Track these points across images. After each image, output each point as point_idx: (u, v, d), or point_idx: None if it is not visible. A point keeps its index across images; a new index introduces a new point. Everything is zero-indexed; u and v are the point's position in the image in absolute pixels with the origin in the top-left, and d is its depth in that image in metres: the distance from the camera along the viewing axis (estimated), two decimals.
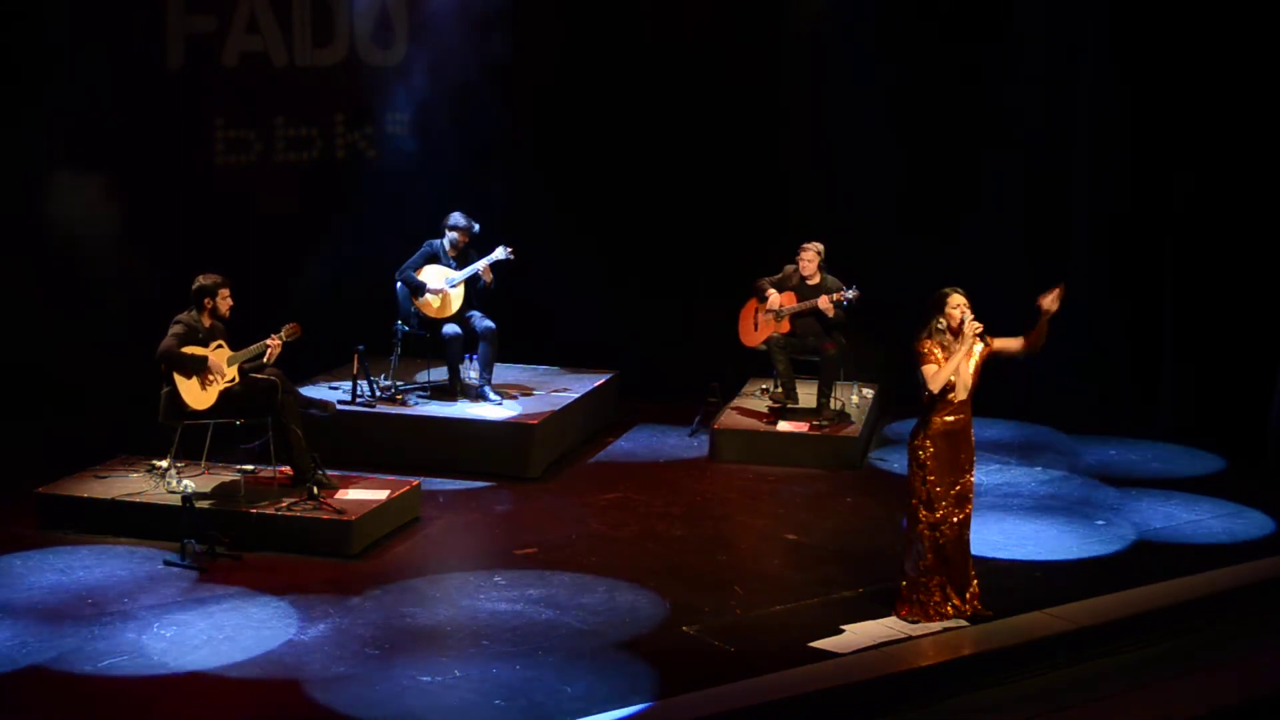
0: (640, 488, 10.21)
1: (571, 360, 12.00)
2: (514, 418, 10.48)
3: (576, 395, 11.17)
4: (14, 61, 10.63)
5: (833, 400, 11.03)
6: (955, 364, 7.61)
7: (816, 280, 10.89)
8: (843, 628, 7.73)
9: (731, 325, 11.28)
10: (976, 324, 7.62)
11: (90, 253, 10.94)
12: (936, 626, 7.70)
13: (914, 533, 7.77)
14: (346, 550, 8.69)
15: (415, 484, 9.47)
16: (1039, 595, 8.16)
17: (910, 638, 7.60)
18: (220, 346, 8.99)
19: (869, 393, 11.55)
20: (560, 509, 9.74)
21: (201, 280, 9.06)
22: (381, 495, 9.12)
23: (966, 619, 7.77)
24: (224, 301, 9.06)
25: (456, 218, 10.86)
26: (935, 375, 7.62)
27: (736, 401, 11.54)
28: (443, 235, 10.86)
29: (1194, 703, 7.29)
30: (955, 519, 7.73)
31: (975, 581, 7.88)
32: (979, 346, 7.69)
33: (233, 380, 9.00)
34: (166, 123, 11.45)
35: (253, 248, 11.59)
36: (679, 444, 11.26)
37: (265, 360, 9.10)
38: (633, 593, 8.25)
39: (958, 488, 7.73)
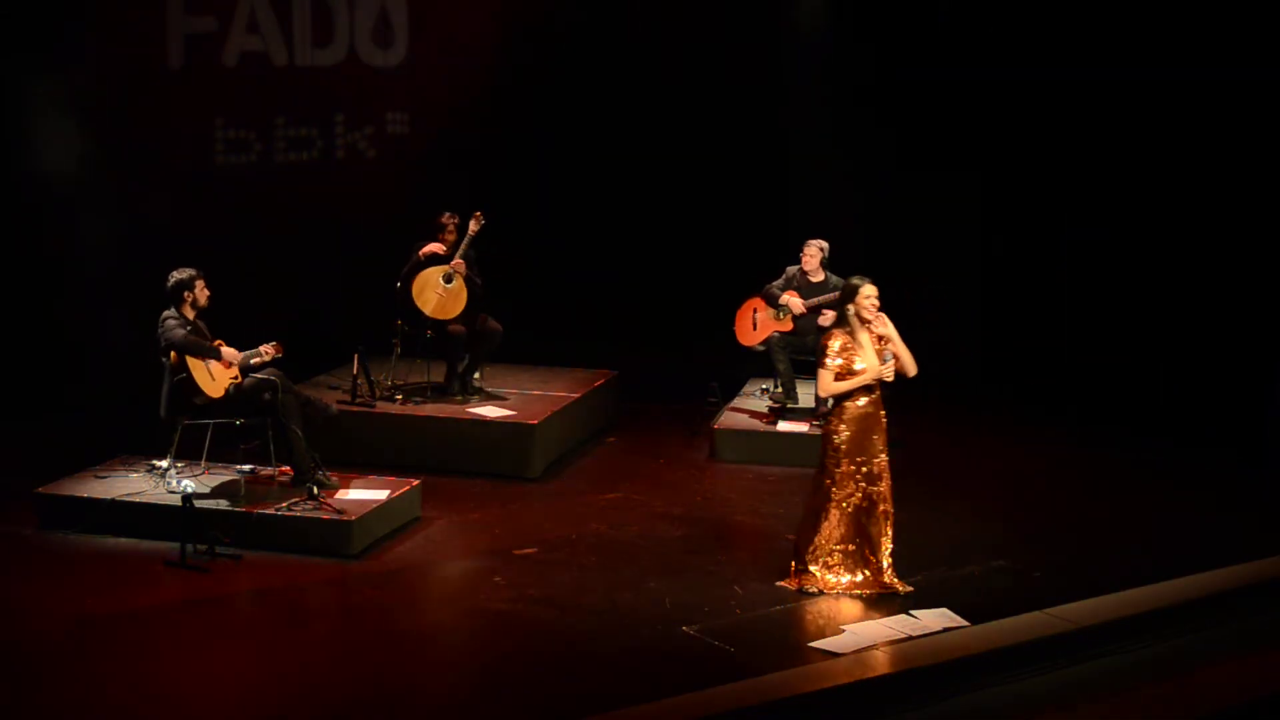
0: (640, 488, 10.20)
1: (571, 360, 12.00)
2: (514, 418, 10.48)
3: (576, 395, 11.16)
4: (13, 61, 10.63)
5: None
6: (851, 386, 8.01)
7: (820, 278, 10.89)
8: (843, 628, 7.73)
9: (731, 326, 11.28)
10: (884, 324, 7.98)
11: (90, 253, 10.95)
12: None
13: (822, 508, 8.14)
14: (346, 550, 8.69)
15: (415, 484, 9.47)
16: (1039, 595, 8.16)
17: (910, 638, 7.60)
18: (220, 342, 9.03)
19: None
20: (560, 509, 9.74)
21: (177, 275, 9.04)
22: (381, 495, 9.12)
23: (877, 589, 8.10)
24: (202, 292, 9.05)
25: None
26: (827, 385, 8.08)
27: (736, 401, 11.53)
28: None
29: (1194, 703, 7.29)
30: (867, 494, 8.10)
31: (889, 553, 8.18)
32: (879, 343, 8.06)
33: (235, 377, 9.01)
34: (166, 123, 11.46)
35: (253, 248, 11.59)
36: (679, 444, 11.25)
37: (258, 360, 9.11)
38: (633, 593, 8.24)
39: (867, 468, 8.10)
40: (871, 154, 12.90)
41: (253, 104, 12.03)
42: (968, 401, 12.29)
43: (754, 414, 11.20)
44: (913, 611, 7.92)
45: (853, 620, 7.83)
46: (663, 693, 6.94)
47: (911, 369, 8.10)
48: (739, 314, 11.22)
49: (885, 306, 8.08)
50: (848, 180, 12.90)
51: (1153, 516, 9.70)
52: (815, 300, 10.85)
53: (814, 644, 7.55)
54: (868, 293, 7.96)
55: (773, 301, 11.01)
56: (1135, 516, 9.70)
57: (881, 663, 7.33)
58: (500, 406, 10.68)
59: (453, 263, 10.60)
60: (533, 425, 10.33)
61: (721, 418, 11.17)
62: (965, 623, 7.78)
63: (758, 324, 11.13)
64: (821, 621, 7.86)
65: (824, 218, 11.91)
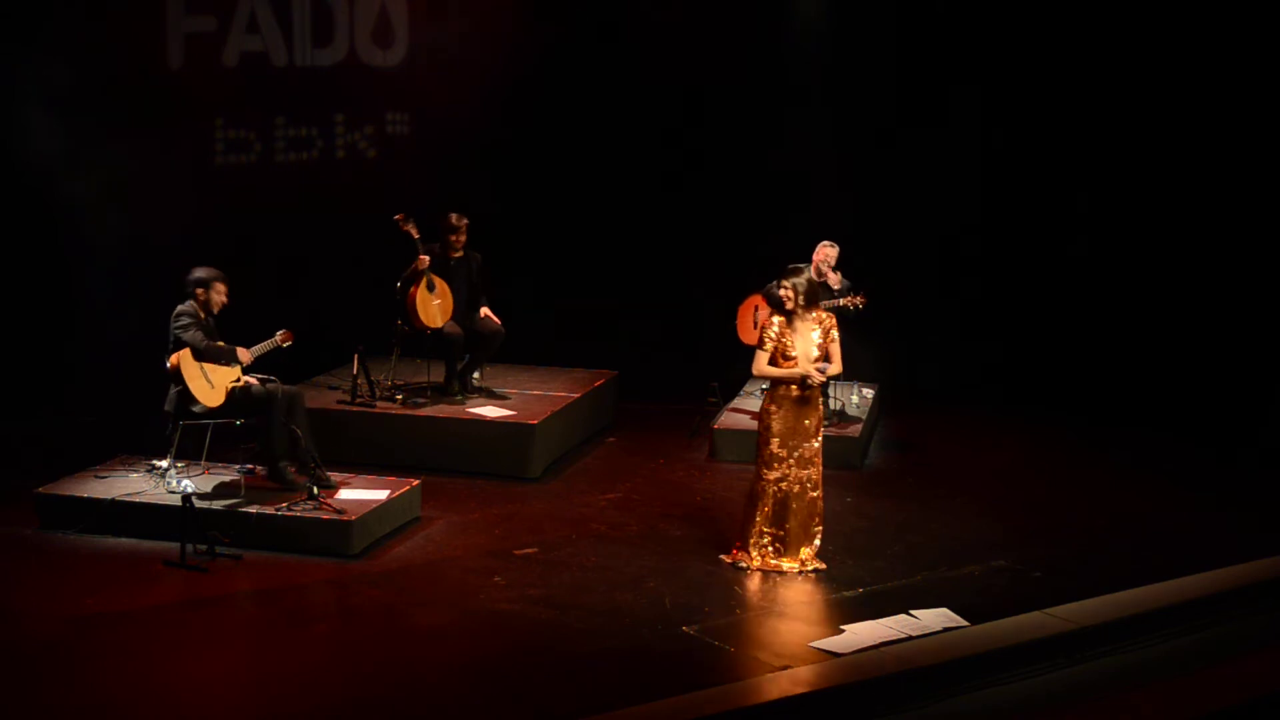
0: (640, 488, 10.21)
1: (571, 360, 12.00)
2: (514, 418, 10.48)
3: (576, 395, 11.16)
4: (13, 61, 10.63)
5: (833, 400, 11.02)
6: (780, 374, 8.34)
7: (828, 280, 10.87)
8: (843, 628, 7.74)
9: (731, 325, 11.27)
10: (832, 325, 8.44)
11: (90, 253, 10.94)
12: (933, 628, 7.71)
13: (757, 488, 8.50)
14: (346, 550, 8.69)
15: (415, 484, 9.47)
16: (1039, 595, 8.16)
17: (910, 638, 7.60)
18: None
19: (869, 393, 11.54)
20: (560, 509, 9.74)
21: (200, 272, 9.05)
22: (381, 495, 9.12)
23: (797, 572, 8.47)
24: (217, 295, 9.04)
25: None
26: (760, 367, 8.42)
27: (736, 402, 11.53)
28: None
29: (1194, 703, 7.29)
30: (798, 478, 8.44)
31: (818, 538, 8.57)
32: (816, 331, 8.41)
33: (237, 380, 9.01)
34: (166, 123, 11.45)
35: (252, 248, 11.59)
36: (679, 444, 11.25)
37: (270, 347, 9.13)
38: (633, 593, 8.25)
39: (799, 451, 8.44)
40: (871, 153, 12.89)
41: (253, 104, 12.03)
42: (968, 401, 12.29)
43: (754, 414, 11.16)
44: (913, 611, 7.92)
45: (852, 620, 7.83)
46: (663, 693, 6.94)
47: (836, 368, 8.47)
48: (740, 311, 11.23)
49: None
50: (847, 179, 12.89)
51: (1152, 516, 9.71)
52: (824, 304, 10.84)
53: (814, 644, 7.56)
54: (786, 284, 8.39)
55: (775, 302, 10.99)
56: (1135, 516, 9.71)
57: (881, 663, 7.33)
58: (500, 406, 10.68)
59: (417, 261, 10.48)
60: (533, 425, 10.32)
61: (721, 418, 11.17)
62: (965, 623, 7.78)
63: (759, 322, 11.13)
64: (821, 621, 7.86)
65: (824, 217, 11.90)
